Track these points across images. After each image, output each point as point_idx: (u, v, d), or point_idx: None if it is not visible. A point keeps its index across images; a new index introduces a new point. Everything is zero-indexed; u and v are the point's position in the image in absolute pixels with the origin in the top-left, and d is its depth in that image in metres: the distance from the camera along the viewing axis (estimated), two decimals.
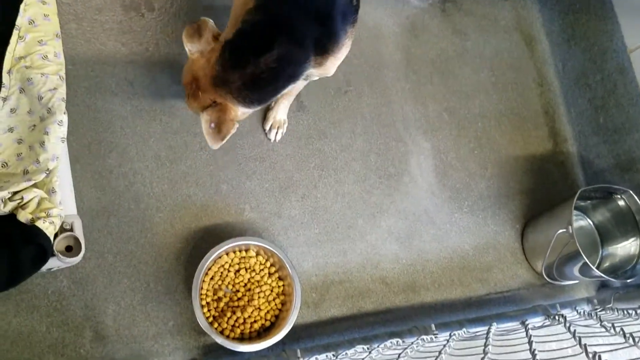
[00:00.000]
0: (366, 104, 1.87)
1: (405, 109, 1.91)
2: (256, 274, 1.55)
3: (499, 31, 2.14)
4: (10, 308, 1.39)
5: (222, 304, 1.51)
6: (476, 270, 1.84)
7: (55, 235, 1.30)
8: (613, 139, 1.94)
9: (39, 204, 1.29)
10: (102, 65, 1.61)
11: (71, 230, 1.34)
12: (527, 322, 1.57)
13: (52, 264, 1.33)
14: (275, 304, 1.55)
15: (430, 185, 1.87)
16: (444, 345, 1.43)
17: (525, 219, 1.94)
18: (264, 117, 1.72)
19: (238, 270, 1.55)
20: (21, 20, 1.46)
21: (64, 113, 1.41)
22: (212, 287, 1.52)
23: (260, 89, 1.26)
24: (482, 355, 1.28)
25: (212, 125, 1.30)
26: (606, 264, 1.89)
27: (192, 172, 1.62)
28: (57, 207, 1.31)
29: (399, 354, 1.37)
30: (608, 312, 1.73)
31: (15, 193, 1.28)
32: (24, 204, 1.27)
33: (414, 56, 1.98)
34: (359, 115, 1.85)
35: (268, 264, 1.57)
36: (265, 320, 1.53)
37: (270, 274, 1.57)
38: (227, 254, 1.54)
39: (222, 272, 1.53)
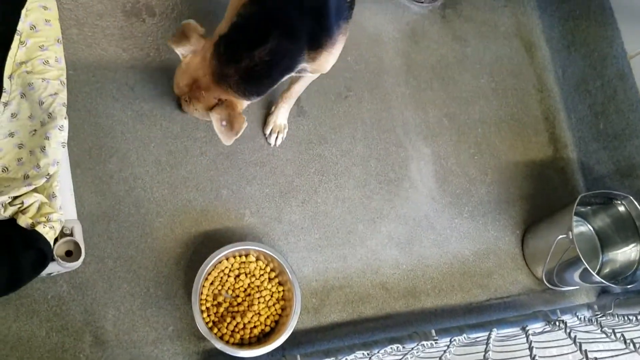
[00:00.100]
0: (366, 110, 1.87)
1: (405, 114, 1.91)
2: (256, 279, 1.55)
3: (499, 37, 2.14)
4: (10, 313, 1.39)
5: (222, 309, 1.51)
6: (476, 275, 1.84)
7: (56, 240, 1.30)
8: (613, 145, 1.94)
9: (39, 208, 1.29)
10: (103, 70, 1.62)
11: (71, 235, 1.34)
12: (527, 328, 1.57)
13: (52, 268, 1.33)
14: (275, 309, 1.55)
15: (430, 190, 1.87)
16: (445, 351, 1.42)
17: (525, 224, 1.94)
18: (264, 121, 1.72)
19: (238, 276, 1.54)
20: (22, 25, 1.46)
21: (65, 118, 1.41)
22: (212, 292, 1.52)
23: (256, 81, 1.27)
24: None
25: (224, 123, 1.31)
26: (606, 270, 1.89)
27: (192, 177, 1.63)
28: (57, 212, 1.31)
29: None
30: (609, 318, 1.72)
31: (15, 198, 1.28)
32: (24, 209, 1.28)
33: (414, 62, 1.99)
34: (359, 120, 1.85)
35: (268, 269, 1.57)
36: (265, 325, 1.53)
37: (270, 279, 1.57)
38: (227, 259, 1.54)
39: (222, 277, 1.53)
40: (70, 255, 1.32)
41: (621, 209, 1.83)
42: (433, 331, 1.59)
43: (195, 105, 1.34)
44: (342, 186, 1.77)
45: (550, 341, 1.52)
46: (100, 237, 1.50)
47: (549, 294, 1.91)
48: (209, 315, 1.49)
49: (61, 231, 1.33)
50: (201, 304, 1.48)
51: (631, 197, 1.77)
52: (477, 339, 1.63)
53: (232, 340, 1.48)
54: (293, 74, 1.34)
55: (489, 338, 1.53)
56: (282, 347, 1.50)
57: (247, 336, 1.50)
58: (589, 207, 1.93)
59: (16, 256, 1.22)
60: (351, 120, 1.84)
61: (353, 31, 1.93)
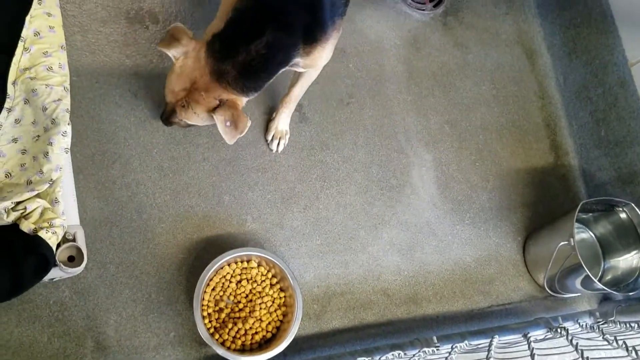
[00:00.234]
0: (368, 116, 1.88)
1: (407, 121, 1.92)
2: (258, 285, 1.55)
3: (500, 45, 2.15)
4: (12, 318, 1.39)
5: (223, 315, 1.51)
6: (478, 282, 1.83)
7: (58, 246, 1.31)
8: (614, 152, 1.94)
9: (42, 214, 1.30)
10: (107, 76, 1.63)
11: (74, 240, 1.34)
12: (529, 335, 1.56)
13: (54, 274, 1.33)
14: (277, 316, 1.55)
15: (432, 197, 1.87)
16: (446, 358, 1.42)
17: (527, 231, 1.94)
18: (266, 128, 1.73)
19: (240, 281, 1.55)
20: (26, 32, 1.47)
21: (68, 124, 1.42)
22: (214, 298, 1.52)
23: (254, 76, 1.27)
24: None
25: (228, 123, 1.30)
26: (608, 277, 1.89)
27: (194, 182, 1.63)
28: (60, 217, 1.31)
29: None
30: (610, 325, 1.72)
31: (18, 203, 1.29)
32: (27, 214, 1.28)
33: (415, 69, 1.99)
34: (361, 126, 1.86)
35: (270, 275, 1.57)
36: (267, 331, 1.53)
37: (271, 285, 1.57)
38: (228, 265, 1.54)
39: (223, 283, 1.53)
40: (72, 260, 1.33)
41: (623, 215, 1.83)
42: (434, 338, 1.59)
43: (194, 108, 1.32)
44: (343, 192, 1.77)
45: (551, 348, 1.52)
46: (103, 243, 1.51)
47: (550, 300, 1.90)
48: (210, 321, 1.49)
49: (64, 236, 1.33)
50: (203, 310, 1.48)
51: (632, 204, 1.77)
52: (479, 346, 1.63)
53: (233, 346, 1.48)
54: (287, 67, 1.33)
55: (490, 345, 1.52)
56: (283, 353, 1.49)
57: (249, 342, 1.50)
58: (590, 214, 1.92)
59: (18, 262, 1.22)
60: (353, 126, 1.85)
61: (355, 38, 1.94)
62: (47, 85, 1.44)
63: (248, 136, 1.72)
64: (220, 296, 1.53)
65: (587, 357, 1.16)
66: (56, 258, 1.29)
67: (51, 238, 1.27)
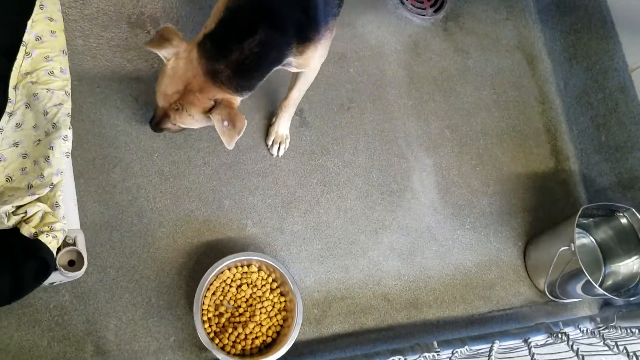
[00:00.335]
0: (369, 121, 1.88)
1: (407, 125, 1.92)
2: (258, 289, 1.55)
3: (501, 50, 2.15)
4: (12, 322, 1.39)
5: (223, 320, 1.50)
6: (478, 287, 1.83)
7: (58, 250, 1.31)
8: (615, 157, 1.94)
9: (42, 218, 1.30)
10: (108, 81, 1.63)
11: (74, 244, 1.34)
12: (529, 340, 1.56)
13: (55, 278, 1.33)
14: (277, 320, 1.55)
15: (432, 201, 1.87)
16: None
17: (527, 236, 1.94)
18: (266, 132, 1.73)
19: (240, 286, 1.54)
20: (28, 36, 1.48)
21: (69, 128, 1.42)
22: (214, 302, 1.52)
23: (247, 75, 1.26)
24: None
25: (225, 123, 1.27)
26: (609, 282, 1.88)
27: (195, 187, 1.63)
28: (60, 222, 1.31)
29: None
30: (611, 330, 1.72)
31: (19, 207, 1.29)
32: (28, 218, 1.28)
33: (416, 74, 2.00)
34: (362, 131, 1.86)
35: (270, 280, 1.57)
36: (267, 336, 1.53)
37: (272, 290, 1.57)
38: (229, 269, 1.54)
39: (223, 288, 1.53)
40: (72, 264, 1.32)
41: (623, 221, 1.83)
42: (435, 343, 1.59)
43: (189, 110, 1.29)
44: (344, 197, 1.77)
45: (552, 353, 1.51)
46: (103, 247, 1.51)
47: (551, 306, 1.90)
48: (210, 326, 1.49)
49: (64, 240, 1.33)
50: (203, 314, 1.48)
51: (633, 209, 1.77)
52: (479, 351, 1.62)
53: (233, 351, 1.48)
54: (280, 66, 1.33)
55: (491, 350, 1.52)
56: (283, 358, 1.49)
57: (249, 347, 1.50)
58: (591, 219, 1.92)
59: (19, 265, 1.22)
60: (353, 131, 1.85)
61: (356, 43, 1.95)
62: (48, 89, 1.45)
63: (248, 140, 1.72)
64: (221, 300, 1.53)
65: None
66: (56, 262, 1.29)
67: (51, 242, 1.27)
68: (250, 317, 1.51)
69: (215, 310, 1.51)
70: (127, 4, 1.72)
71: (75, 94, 1.55)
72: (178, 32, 1.26)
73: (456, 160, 1.94)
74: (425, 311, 1.75)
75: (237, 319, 1.51)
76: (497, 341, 1.63)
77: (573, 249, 1.66)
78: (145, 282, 1.52)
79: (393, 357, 1.50)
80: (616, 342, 1.35)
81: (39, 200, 1.32)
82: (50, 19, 1.53)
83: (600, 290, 1.65)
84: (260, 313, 1.52)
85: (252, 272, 1.55)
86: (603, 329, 1.76)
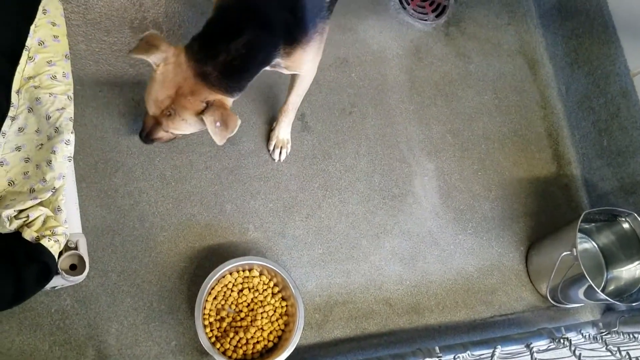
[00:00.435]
0: (370, 125, 1.88)
1: (409, 130, 1.92)
2: (259, 293, 1.55)
3: (502, 55, 2.16)
4: (13, 326, 1.39)
5: (224, 324, 1.50)
6: (480, 292, 1.83)
7: (60, 254, 1.31)
8: (617, 161, 1.94)
9: (44, 222, 1.30)
10: (110, 85, 1.63)
11: (76, 248, 1.35)
12: (532, 345, 1.56)
13: (56, 282, 1.33)
14: (279, 325, 1.54)
15: (434, 206, 1.87)
16: None
17: (529, 241, 1.94)
18: (268, 137, 1.73)
19: (241, 290, 1.54)
20: (31, 41, 1.48)
21: (72, 132, 1.42)
22: (215, 306, 1.52)
23: (236, 75, 1.25)
24: None
25: (218, 124, 1.26)
26: (611, 287, 1.88)
27: (196, 191, 1.63)
28: (62, 226, 1.31)
29: None
30: (614, 335, 1.71)
31: (21, 211, 1.29)
32: (30, 222, 1.28)
33: (417, 78, 2.00)
34: (363, 136, 1.86)
35: (271, 284, 1.57)
36: (268, 341, 1.52)
37: (273, 294, 1.56)
38: (230, 274, 1.54)
39: (225, 292, 1.53)
40: (74, 268, 1.32)
41: (625, 226, 1.82)
42: (437, 348, 1.58)
43: (182, 115, 1.27)
44: (345, 201, 1.77)
45: (554, 359, 1.51)
46: (105, 251, 1.51)
47: (553, 311, 1.90)
48: (212, 330, 1.49)
49: (66, 245, 1.33)
50: (204, 319, 1.48)
51: (635, 214, 1.77)
52: (481, 356, 1.62)
53: (234, 355, 1.48)
54: (269, 68, 1.32)
55: (493, 355, 1.52)
56: None
57: (250, 351, 1.49)
58: (593, 224, 1.92)
59: (20, 270, 1.23)
60: (355, 135, 1.85)
61: (357, 48, 1.95)
62: (51, 94, 1.45)
63: (250, 145, 1.72)
64: (222, 305, 1.52)
65: None
66: (58, 266, 1.29)
67: (53, 246, 1.27)
68: (251, 321, 1.51)
69: (217, 314, 1.51)
70: (130, 8, 1.72)
71: (78, 98, 1.56)
72: (163, 37, 1.25)
73: (458, 165, 1.94)
74: (427, 316, 1.75)
75: (239, 324, 1.51)
76: (499, 346, 1.62)
77: (575, 254, 1.66)
78: (147, 287, 1.52)
79: None
80: (619, 348, 1.35)
81: (41, 204, 1.32)
82: (53, 24, 1.54)
83: (603, 296, 1.64)
84: (262, 317, 1.52)
85: (254, 277, 1.55)
86: (605, 335, 1.75)
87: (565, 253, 1.69)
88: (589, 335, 1.70)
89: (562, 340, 1.61)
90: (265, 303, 1.54)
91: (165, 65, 1.23)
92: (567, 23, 2.14)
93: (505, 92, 2.10)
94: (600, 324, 1.85)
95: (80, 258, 1.33)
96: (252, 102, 1.76)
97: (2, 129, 1.39)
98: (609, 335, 1.73)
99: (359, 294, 1.70)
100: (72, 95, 1.50)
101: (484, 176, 1.96)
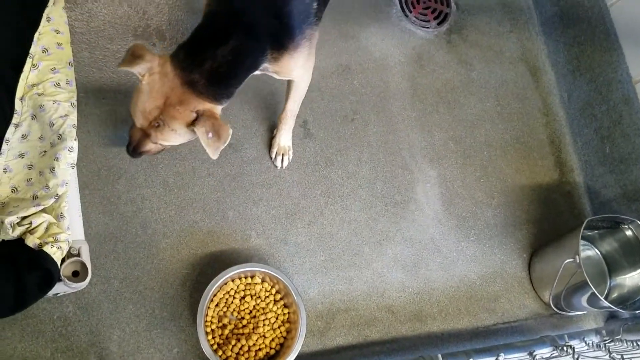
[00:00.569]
0: (372, 132, 1.88)
1: (411, 137, 1.92)
2: (261, 300, 1.55)
3: (505, 62, 2.16)
4: (15, 333, 1.39)
5: (227, 331, 1.50)
6: (483, 299, 1.82)
7: (63, 260, 1.31)
8: (620, 169, 1.94)
9: (47, 229, 1.30)
10: (114, 93, 1.64)
11: (78, 255, 1.35)
12: (535, 353, 1.55)
13: (59, 289, 1.33)
14: (281, 332, 1.54)
15: (436, 213, 1.86)
16: None
17: (532, 248, 1.93)
18: (270, 144, 1.74)
19: (243, 297, 1.54)
20: (35, 48, 1.49)
21: (75, 139, 1.43)
22: (217, 313, 1.52)
23: (223, 82, 1.24)
24: None
25: (210, 135, 1.24)
26: (614, 295, 1.87)
27: (199, 198, 1.63)
28: (65, 232, 1.32)
29: None
30: (617, 343, 1.70)
31: (24, 218, 1.29)
32: (33, 229, 1.28)
33: (420, 86, 2.00)
34: (366, 143, 1.86)
35: (274, 291, 1.57)
36: (270, 348, 1.52)
37: (275, 301, 1.56)
38: (232, 281, 1.54)
39: (227, 299, 1.53)
40: (77, 275, 1.33)
41: (628, 233, 1.82)
42: (439, 356, 1.57)
43: (171, 125, 1.24)
44: (348, 208, 1.77)
45: None
46: (107, 258, 1.51)
47: (556, 318, 1.89)
48: (214, 337, 1.49)
49: (68, 251, 1.33)
50: (206, 326, 1.48)
51: (638, 222, 1.76)
52: None
53: None
54: (257, 72, 1.31)
55: None
56: None
57: (252, 359, 1.49)
58: (595, 231, 1.92)
59: (23, 276, 1.23)
60: (357, 142, 1.85)
61: (359, 55, 1.96)
62: (55, 101, 1.46)
63: (253, 152, 1.73)
64: (224, 312, 1.52)
65: None
66: (60, 273, 1.29)
67: (56, 253, 1.27)
68: (253, 328, 1.50)
69: (219, 321, 1.51)
70: (133, 16, 1.73)
71: (81, 106, 1.56)
72: (149, 48, 1.23)
73: (460, 172, 1.94)
74: (430, 323, 1.74)
75: (241, 331, 1.51)
76: (502, 354, 1.62)
77: (578, 261, 1.65)
78: (149, 293, 1.52)
79: None
80: (622, 355, 1.34)
81: (44, 211, 1.32)
82: (57, 32, 1.55)
83: (606, 303, 1.64)
84: (264, 325, 1.52)
85: (256, 284, 1.55)
86: (609, 342, 1.74)
87: (568, 260, 1.69)
88: (592, 343, 1.69)
89: (565, 348, 1.61)
90: (268, 310, 1.54)
91: (151, 76, 1.21)
92: (569, 30, 2.14)
93: (508, 99, 2.11)
94: (604, 332, 1.84)
95: (83, 265, 1.33)
96: (255, 110, 1.77)
97: (6, 136, 1.40)
98: (612, 343, 1.72)
99: (361, 301, 1.70)
100: (75, 103, 1.50)
101: (487, 183, 1.96)
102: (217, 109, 1.28)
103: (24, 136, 1.44)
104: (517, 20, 2.24)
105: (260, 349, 1.50)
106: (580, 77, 2.09)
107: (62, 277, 1.30)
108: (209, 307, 1.50)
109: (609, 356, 1.41)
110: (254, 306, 1.54)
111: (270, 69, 1.35)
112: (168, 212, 1.60)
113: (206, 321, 1.48)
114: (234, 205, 1.66)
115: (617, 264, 1.89)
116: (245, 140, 1.73)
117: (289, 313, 1.56)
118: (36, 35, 1.49)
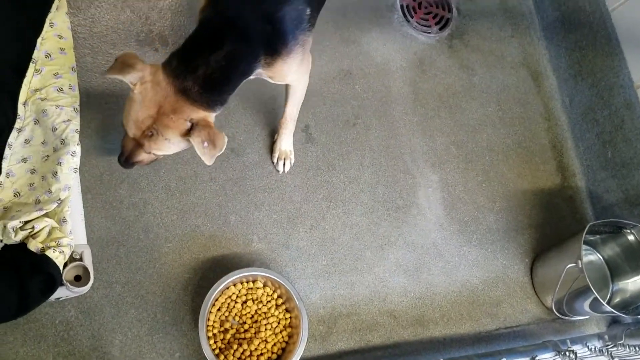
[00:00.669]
0: (374, 137, 1.89)
1: (413, 142, 1.93)
2: (263, 305, 1.55)
3: (506, 67, 2.16)
4: (17, 337, 1.39)
5: (228, 336, 1.50)
6: (485, 304, 1.82)
7: (65, 265, 1.31)
8: (622, 173, 1.94)
9: (49, 233, 1.31)
10: (116, 97, 1.65)
11: (80, 259, 1.35)
12: (537, 358, 1.55)
13: (61, 293, 1.33)
14: (282, 337, 1.54)
15: (438, 218, 1.86)
16: None
17: (534, 253, 1.93)
18: (271, 149, 1.74)
19: (245, 302, 1.54)
20: (38, 53, 1.50)
21: (77, 144, 1.43)
22: (219, 318, 1.52)
23: (217, 89, 1.23)
24: None
25: (206, 144, 1.23)
26: (617, 300, 1.87)
27: (201, 202, 1.64)
28: (67, 237, 1.32)
29: None
30: (619, 348, 1.70)
31: (26, 222, 1.30)
32: (35, 233, 1.29)
33: (421, 90, 2.01)
34: (367, 147, 1.87)
35: (275, 296, 1.57)
36: (272, 353, 1.52)
37: (277, 306, 1.56)
38: (234, 285, 1.54)
39: (229, 304, 1.53)
40: (79, 280, 1.33)
41: (630, 237, 1.82)
42: None
43: (165, 134, 1.23)
44: (349, 213, 1.77)
45: None
46: (109, 262, 1.51)
47: (558, 323, 1.88)
48: (215, 342, 1.49)
49: (71, 256, 1.34)
50: (208, 331, 1.48)
51: None
52: None
53: None
54: (251, 77, 1.31)
55: None
56: None
57: None
58: (598, 236, 1.91)
59: (25, 281, 1.23)
60: (359, 147, 1.86)
61: (361, 60, 1.96)
62: (57, 106, 1.46)
63: (255, 157, 1.73)
64: (226, 317, 1.52)
65: None
66: (63, 277, 1.30)
67: (58, 257, 1.27)
68: (255, 333, 1.50)
69: (221, 326, 1.51)
70: (136, 22, 1.74)
71: (84, 111, 1.57)
72: (138, 56, 1.22)
73: (462, 177, 1.94)
74: (432, 328, 1.74)
75: (243, 335, 1.51)
76: (504, 359, 1.61)
77: (580, 265, 1.65)
78: (151, 298, 1.52)
79: None
80: None
81: (46, 215, 1.33)
82: (60, 37, 1.56)
83: (608, 308, 1.64)
84: (266, 329, 1.52)
85: (258, 288, 1.55)
86: (611, 347, 1.74)
87: (570, 265, 1.68)
88: (595, 348, 1.69)
89: (567, 353, 1.60)
90: (269, 315, 1.54)
91: (143, 84, 1.20)
92: (571, 35, 2.14)
93: (509, 104, 2.11)
94: (606, 337, 1.84)
95: (85, 269, 1.34)
96: (256, 114, 1.77)
97: (9, 140, 1.41)
98: (614, 348, 1.71)
99: (363, 305, 1.69)
100: (78, 108, 1.51)
101: (488, 188, 1.96)
102: (211, 116, 1.27)
103: (26, 141, 1.44)
104: (519, 25, 2.25)
105: (262, 354, 1.50)
106: (581, 82, 2.10)
107: (65, 281, 1.30)
108: (210, 312, 1.50)
109: None
110: (255, 311, 1.54)
111: (264, 74, 1.35)
112: (170, 217, 1.60)
113: (208, 326, 1.48)
114: (235, 210, 1.66)
115: (620, 268, 1.88)
116: (247, 145, 1.74)
117: (290, 318, 1.56)
118: (39, 40, 1.50)
